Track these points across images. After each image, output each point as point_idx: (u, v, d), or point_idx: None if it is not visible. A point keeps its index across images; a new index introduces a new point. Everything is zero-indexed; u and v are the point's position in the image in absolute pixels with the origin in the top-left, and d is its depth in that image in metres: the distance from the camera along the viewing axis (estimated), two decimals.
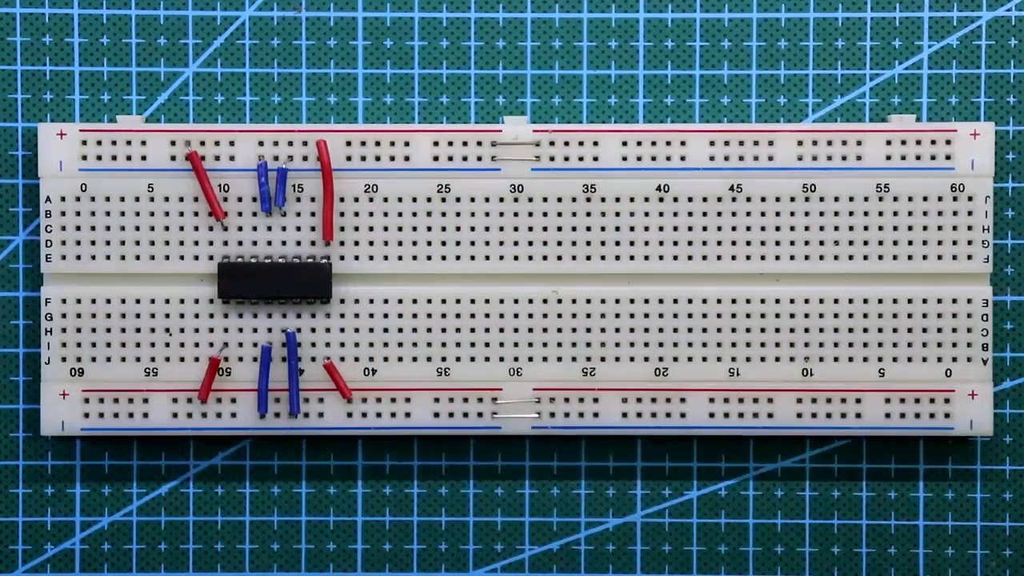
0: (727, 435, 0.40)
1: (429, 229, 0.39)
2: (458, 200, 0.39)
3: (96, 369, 0.39)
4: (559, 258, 0.40)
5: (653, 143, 0.39)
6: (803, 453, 0.41)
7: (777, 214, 0.39)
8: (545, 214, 0.39)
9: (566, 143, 0.39)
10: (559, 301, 0.39)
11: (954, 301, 0.39)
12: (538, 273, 0.40)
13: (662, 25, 0.41)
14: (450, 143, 0.39)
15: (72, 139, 0.39)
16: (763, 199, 0.39)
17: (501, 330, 0.39)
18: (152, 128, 0.39)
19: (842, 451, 0.41)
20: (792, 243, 0.39)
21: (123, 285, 0.39)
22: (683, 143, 0.39)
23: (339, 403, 0.40)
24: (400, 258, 0.39)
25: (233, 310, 0.40)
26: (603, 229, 0.39)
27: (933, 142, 0.39)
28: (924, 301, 0.39)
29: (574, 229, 0.39)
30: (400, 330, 0.39)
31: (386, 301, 0.40)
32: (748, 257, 0.39)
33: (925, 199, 0.39)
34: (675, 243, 0.39)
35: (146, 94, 0.41)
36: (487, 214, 0.39)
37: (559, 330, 0.40)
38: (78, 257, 0.39)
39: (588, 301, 0.39)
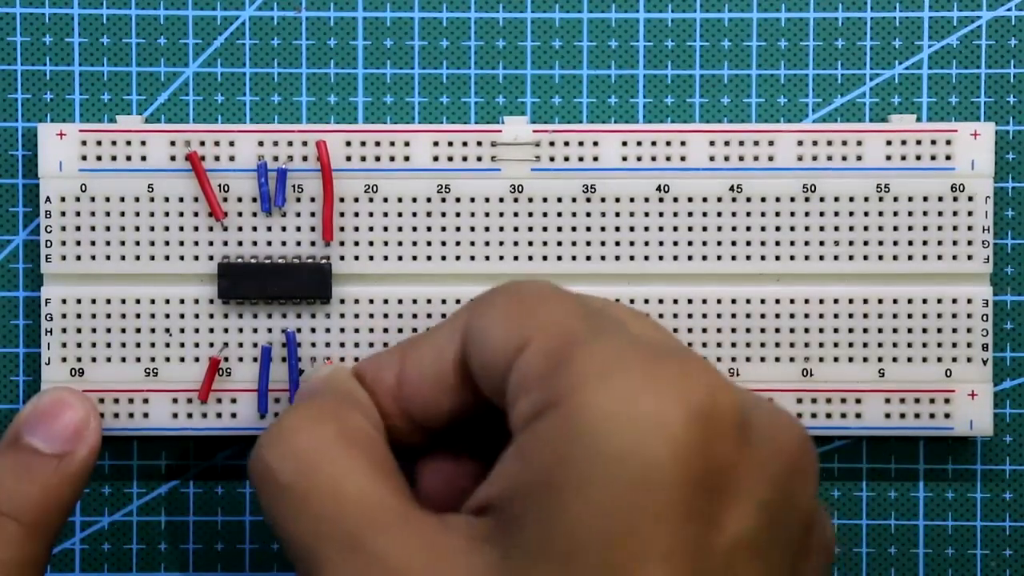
0: None
1: (429, 229, 0.39)
2: (458, 200, 0.39)
3: (96, 369, 0.39)
4: (559, 258, 0.40)
5: (653, 143, 0.39)
6: None
7: (777, 214, 0.39)
8: (545, 214, 0.39)
9: (566, 143, 0.39)
10: None
11: (954, 301, 0.39)
12: (538, 273, 0.40)
13: (662, 25, 0.41)
14: (450, 143, 0.39)
15: (72, 139, 0.39)
16: (763, 199, 0.39)
17: None
18: (152, 128, 0.39)
19: (842, 451, 0.41)
20: (792, 243, 0.39)
21: (123, 285, 0.39)
22: (683, 143, 0.39)
23: None
24: (400, 258, 0.39)
25: (233, 310, 0.40)
26: (603, 229, 0.39)
27: (933, 142, 0.39)
28: (924, 301, 0.39)
29: (574, 229, 0.39)
30: (400, 330, 0.39)
31: (386, 301, 0.40)
32: (748, 257, 0.39)
33: (925, 199, 0.39)
34: (675, 243, 0.39)
35: (146, 94, 0.41)
36: (487, 214, 0.39)
37: None
38: (78, 257, 0.39)
39: None
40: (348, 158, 0.39)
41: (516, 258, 0.39)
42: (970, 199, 0.39)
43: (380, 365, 0.32)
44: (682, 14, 0.41)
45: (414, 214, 0.39)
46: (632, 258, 0.39)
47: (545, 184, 0.39)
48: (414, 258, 0.39)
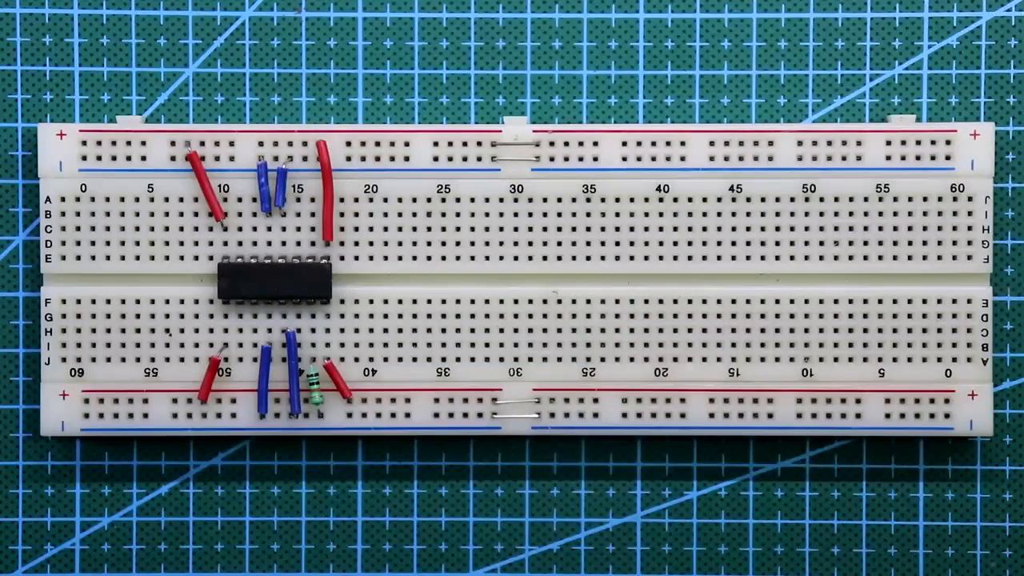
0: (727, 435, 0.40)
1: (429, 229, 0.39)
2: (458, 200, 0.39)
3: (96, 369, 0.39)
4: (559, 258, 0.40)
5: (653, 143, 0.39)
6: (803, 453, 0.41)
7: (777, 214, 0.39)
8: (545, 214, 0.39)
9: (566, 143, 0.39)
10: (559, 301, 0.40)
11: (954, 301, 0.39)
12: (538, 273, 0.40)
13: (662, 25, 0.41)
14: (450, 143, 0.39)
15: (72, 139, 0.39)
16: (763, 199, 0.39)
17: (501, 330, 0.39)
18: (152, 128, 0.39)
19: (842, 451, 0.41)
20: (792, 243, 0.39)
21: (123, 285, 0.39)
22: (683, 143, 0.39)
23: (339, 403, 0.40)
24: (400, 258, 0.40)
25: (233, 310, 0.40)
26: (603, 229, 0.39)
27: (933, 142, 0.39)
28: (924, 301, 0.39)
29: (574, 229, 0.39)
30: (400, 330, 0.40)
31: (386, 301, 0.40)
32: (748, 257, 0.39)
33: (925, 199, 0.39)
34: (675, 243, 0.39)
35: (146, 94, 0.41)
36: (487, 214, 0.39)
37: (559, 330, 0.40)
38: (78, 257, 0.39)
39: (588, 301, 0.39)
40: (348, 158, 0.39)
41: (516, 258, 0.39)
42: (970, 199, 0.39)
43: None
44: (682, 14, 0.41)
45: (414, 214, 0.39)
46: (632, 258, 0.39)
47: (545, 184, 0.39)
48: (414, 258, 0.39)
